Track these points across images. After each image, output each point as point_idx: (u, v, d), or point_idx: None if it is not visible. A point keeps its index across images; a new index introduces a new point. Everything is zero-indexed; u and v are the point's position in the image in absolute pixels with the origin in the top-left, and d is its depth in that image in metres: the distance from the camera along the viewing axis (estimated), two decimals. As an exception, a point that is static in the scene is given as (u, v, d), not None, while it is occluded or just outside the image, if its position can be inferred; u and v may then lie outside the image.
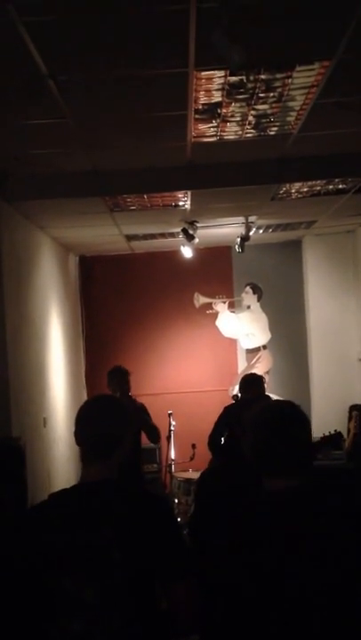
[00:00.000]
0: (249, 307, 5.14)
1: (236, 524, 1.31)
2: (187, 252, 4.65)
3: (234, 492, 1.47)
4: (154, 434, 3.70)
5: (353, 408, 4.72)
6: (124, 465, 1.39)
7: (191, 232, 4.13)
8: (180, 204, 3.67)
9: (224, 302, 5.11)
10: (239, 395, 3.64)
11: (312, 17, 1.67)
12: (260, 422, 1.32)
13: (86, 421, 1.39)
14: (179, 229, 4.19)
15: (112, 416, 1.39)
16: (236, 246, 4.45)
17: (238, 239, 4.38)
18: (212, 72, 1.99)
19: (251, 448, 1.31)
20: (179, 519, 3.58)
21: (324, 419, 4.89)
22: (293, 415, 1.33)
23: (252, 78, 2.05)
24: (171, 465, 4.22)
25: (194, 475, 4.13)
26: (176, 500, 3.98)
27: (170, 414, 4.34)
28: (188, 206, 3.72)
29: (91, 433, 1.37)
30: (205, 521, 1.73)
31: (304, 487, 1.29)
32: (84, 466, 1.38)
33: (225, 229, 4.55)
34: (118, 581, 1.27)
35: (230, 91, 2.15)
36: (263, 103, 2.28)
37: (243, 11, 1.58)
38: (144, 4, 1.51)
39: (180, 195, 3.48)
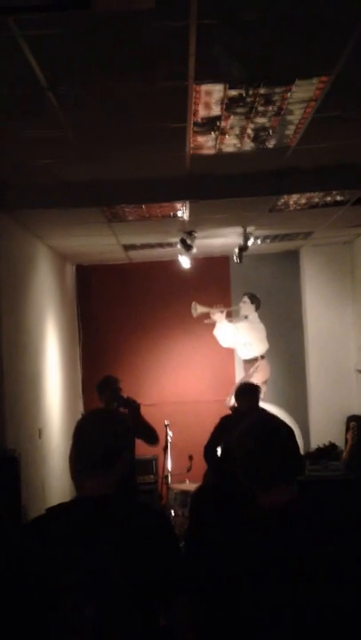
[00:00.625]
0: (247, 316, 5.14)
1: (234, 541, 1.29)
2: (184, 261, 4.66)
3: (229, 508, 1.45)
4: (152, 436, 3.46)
5: (351, 419, 4.72)
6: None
7: (189, 242, 4.13)
8: (179, 214, 3.68)
9: (222, 312, 5.11)
10: (236, 405, 3.63)
11: (311, 33, 1.68)
12: (247, 440, 1.32)
13: (86, 435, 1.38)
14: (177, 239, 4.19)
15: (112, 430, 1.38)
16: (235, 256, 4.46)
17: (236, 249, 4.39)
18: (211, 86, 2.00)
19: (240, 465, 1.31)
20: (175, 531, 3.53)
21: (322, 429, 4.89)
22: (279, 428, 1.34)
23: (251, 92, 2.06)
24: (167, 476, 4.19)
25: (191, 486, 4.10)
26: (173, 512, 3.94)
27: (166, 425, 4.31)
28: (186, 217, 3.73)
29: (90, 446, 1.35)
30: (201, 539, 1.71)
31: (303, 500, 1.28)
32: (81, 480, 1.37)
33: (223, 239, 4.56)
34: (118, 597, 1.26)
35: (229, 104, 2.16)
36: (262, 116, 2.30)
37: (242, 27, 1.59)
38: (145, 18, 1.52)
39: (178, 205, 3.48)
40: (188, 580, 1.33)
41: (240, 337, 5.11)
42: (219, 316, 5.10)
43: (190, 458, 4.11)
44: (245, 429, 1.36)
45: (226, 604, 1.26)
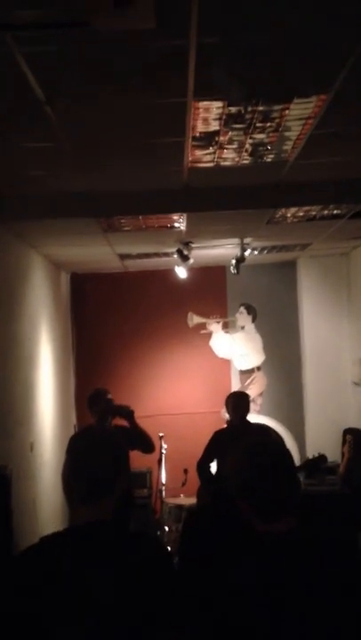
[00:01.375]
0: (243, 327, 5.12)
1: (233, 573, 1.26)
2: (181, 272, 4.64)
3: (226, 534, 1.41)
4: (148, 444, 3.37)
5: (347, 432, 4.69)
6: None
7: (186, 253, 4.12)
8: (176, 225, 3.66)
9: (218, 322, 5.09)
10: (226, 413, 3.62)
11: (311, 53, 1.67)
12: (246, 469, 1.27)
13: (81, 460, 1.33)
14: (173, 249, 4.17)
15: (108, 454, 1.34)
16: (232, 268, 4.45)
17: (234, 261, 4.38)
18: (210, 102, 1.99)
19: (238, 494, 1.27)
20: (168, 548, 3.49)
21: (318, 442, 4.86)
22: (278, 454, 1.30)
23: (249, 109, 2.05)
24: (161, 490, 4.14)
25: (185, 501, 4.05)
26: (166, 528, 3.89)
27: (161, 437, 4.26)
28: (183, 228, 3.71)
29: (85, 473, 1.31)
30: (197, 567, 1.67)
31: (303, 527, 1.25)
32: (76, 506, 1.33)
33: (220, 250, 4.54)
34: (113, 630, 1.22)
35: (228, 120, 2.15)
36: (260, 132, 2.29)
37: (242, 46, 1.58)
38: (145, 36, 1.50)
39: (175, 217, 3.47)
40: (185, 610, 1.30)
41: (236, 348, 5.09)
42: (215, 327, 5.07)
43: (185, 471, 4.06)
44: (243, 456, 1.31)
45: (224, 635, 1.22)
